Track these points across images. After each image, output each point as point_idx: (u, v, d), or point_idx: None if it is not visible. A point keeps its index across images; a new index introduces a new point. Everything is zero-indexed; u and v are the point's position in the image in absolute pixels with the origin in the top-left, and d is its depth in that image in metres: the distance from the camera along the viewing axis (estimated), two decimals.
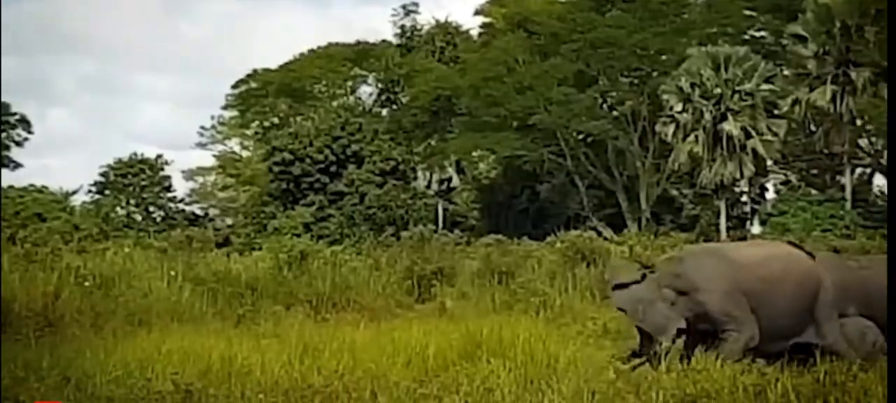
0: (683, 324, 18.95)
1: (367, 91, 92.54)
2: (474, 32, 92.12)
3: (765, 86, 70.85)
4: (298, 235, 56.60)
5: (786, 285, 19.13)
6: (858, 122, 73.98)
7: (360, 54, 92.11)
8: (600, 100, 77.83)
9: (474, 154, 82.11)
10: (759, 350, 18.65)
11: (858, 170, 77.81)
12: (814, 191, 75.88)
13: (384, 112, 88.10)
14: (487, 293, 33.97)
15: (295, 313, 30.87)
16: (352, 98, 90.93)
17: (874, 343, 18.90)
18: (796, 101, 71.39)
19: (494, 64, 77.68)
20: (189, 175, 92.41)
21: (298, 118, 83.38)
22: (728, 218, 71.99)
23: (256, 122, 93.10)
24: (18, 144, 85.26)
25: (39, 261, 33.65)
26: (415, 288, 36.88)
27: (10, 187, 74.52)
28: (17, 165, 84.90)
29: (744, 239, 61.71)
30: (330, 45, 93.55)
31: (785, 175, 79.76)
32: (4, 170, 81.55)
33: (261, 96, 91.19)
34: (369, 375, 20.49)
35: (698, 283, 19.21)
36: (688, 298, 19.13)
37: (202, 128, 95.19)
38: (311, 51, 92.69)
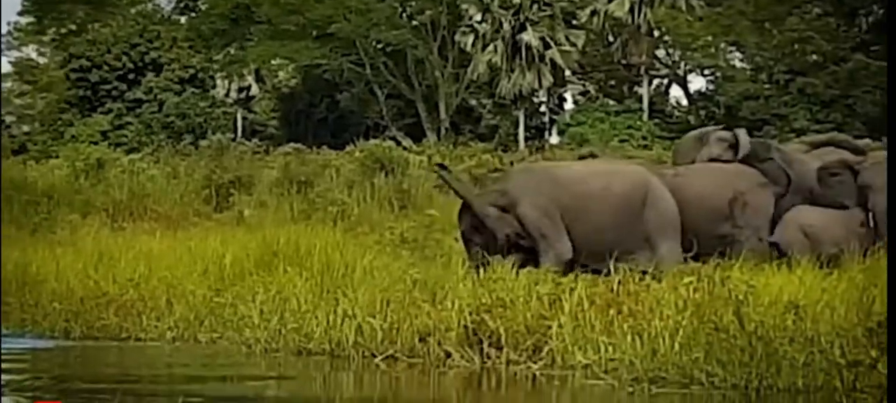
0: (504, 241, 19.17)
1: None
2: None
3: None
4: (95, 143, 55.99)
5: (605, 203, 19.42)
6: (656, 34, 74.68)
7: None
8: (400, 10, 77.60)
9: (274, 62, 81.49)
10: (586, 267, 18.79)
11: (656, 82, 78.60)
12: (611, 102, 76.50)
13: (183, 19, 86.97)
14: (285, 202, 33.95)
15: (91, 221, 30.62)
16: (150, 5, 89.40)
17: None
18: (595, 12, 71.97)
19: None
20: None
21: (96, 25, 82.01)
22: (527, 128, 72.41)
23: (53, 29, 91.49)
24: None
25: None
26: (213, 196, 36.76)
27: None
28: None
29: (542, 149, 62.27)
30: None
31: (583, 85, 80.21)
32: None
33: (58, 2, 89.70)
34: (165, 284, 20.46)
35: (517, 199, 19.41)
36: (509, 215, 19.33)
37: None
38: None
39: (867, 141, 28.58)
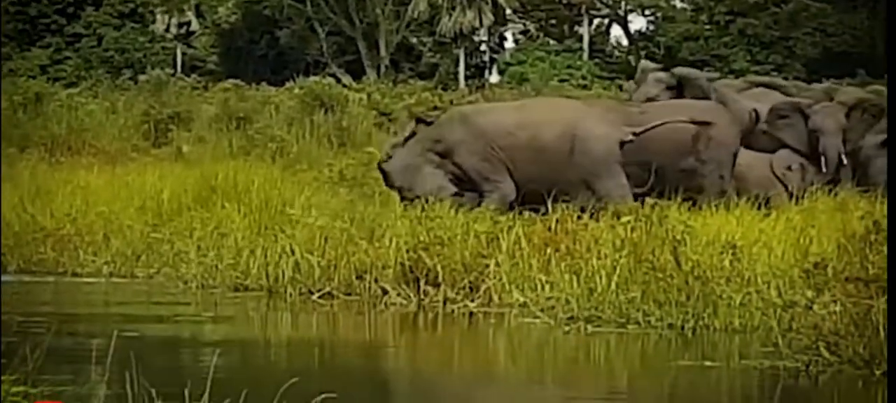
0: (453, 187, 19.15)
1: None
2: None
3: None
4: (34, 77, 55.47)
5: (533, 152, 19.40)
6: None
7: None
8: None
9: None
10: (528, 205, 18.81)
11: (596, 21, 78.67)
12: (552, 42, 76.56)
13: None
14: (224, 138, 33.84)
15: (29, 155, 30.41)
16: None
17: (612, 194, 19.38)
18: None
19: None
20: None
21: None
22: (467, 67, 72.38)
23: None
24: None
25: None
26: (151, 132, 36.57)
27: None
28: None
29: (482, 88, 62.16)
30: None
31: (524, 24, 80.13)
32: None
33: None
34: (102, 218, 20.37)
35: (454, 146, 19.41)
36: (448, 161, 19.31)
37: None
38: None
39: (799, 83, 28.86)
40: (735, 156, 20.54)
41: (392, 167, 19.61)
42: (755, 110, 21.49)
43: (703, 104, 21.24)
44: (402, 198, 19.14)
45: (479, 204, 18.58)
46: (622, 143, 19.34)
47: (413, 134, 19.91)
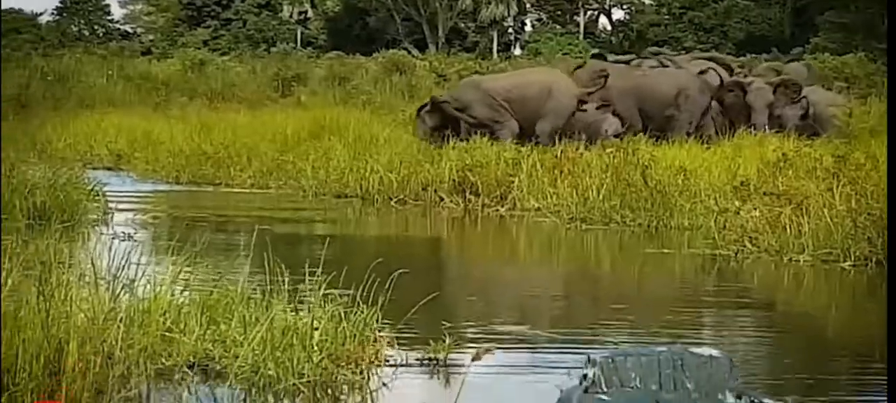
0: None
1: None
2: None
3: None
4: (199, 48, 55.46)
5: (526, 99, 19.65)
6: None
7: None
8: None
9: None
10: (525, 135, 19.24)
11: (589, 13, 78.10)
12: (557, 27, 76.39)
13: None
14: (330, 92, 33.75)
15: (195, 103, 30.50)
16: None
17: (606, 131, 19.39)
18: None
19: None
20: (123, 3, 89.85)
21: None
22: (498, 44, 72.03)
23: None
24: None
25: (14, 61, 32.85)
26: (279, 87, 36.51)
27: None
28: None
29: (509, 58, 61.87)
30: None
31: (538, 14, 79.77)
32: None
33: None
34: (246, 147, 20.39)
35: (467, 103, 19.63)
36: (465, 113, 19.51)
37: None
38: None
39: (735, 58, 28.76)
40: (704, 109, 20.72)
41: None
42: (721, 78, 21.48)
43: (685, 72, 21.24)
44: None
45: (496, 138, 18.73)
46: (578, 99, 19.74)
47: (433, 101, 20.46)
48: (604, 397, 4.52)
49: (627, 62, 22.66)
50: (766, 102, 21.19)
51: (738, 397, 4.68)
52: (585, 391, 4.62)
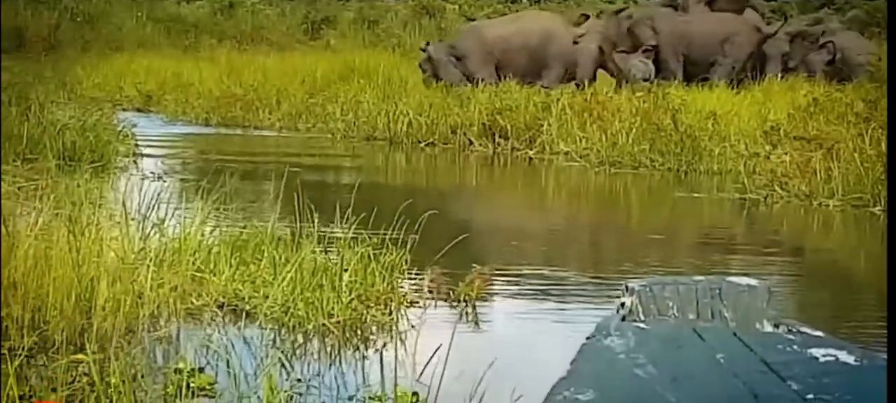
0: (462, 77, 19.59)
1: None
2: None
3: None
4: None
5: (521, 50, 19.76)
6: None
7: None
8: None
9: None
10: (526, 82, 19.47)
11: None
12: None
13: None
14: (359, 35, 33.70)
15: (224, 45, 30.47)
16: None
17: (635, 75, 19.41)
18: None
19: None
20: None
21: None
22: None
23: None
24: None
25: (44, 2, 32.90)
26: (309, 30, 36.46)
27: None
28: None
29: (538, 2, 61.48)
30: None
31: None
32: None
33: None
34: (275, 89, 20.40)
35: (465, 53, 19.76)
36: (461, 62, 19.63)
37: None
38: None
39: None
40: (748, 55, 20.64)
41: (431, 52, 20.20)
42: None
43: (732, 16, 21.09)
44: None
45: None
46: (574, 41, 19.88)
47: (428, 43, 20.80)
48: (642, 325, 4.50)
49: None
50: (780, 52, 21.10)
51: (776, 325, 4.66)
52: (623, 319, 4.61)
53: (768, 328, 4.65)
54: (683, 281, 4.78)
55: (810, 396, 3.62)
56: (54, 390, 4.21)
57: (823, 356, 4.12)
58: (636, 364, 3.97)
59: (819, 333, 4.61)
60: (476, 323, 6.33)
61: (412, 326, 6.02)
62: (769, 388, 3.70)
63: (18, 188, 6.96)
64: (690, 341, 4.33)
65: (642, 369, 3.91)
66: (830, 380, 3.75)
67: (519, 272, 7.77)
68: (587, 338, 4.32)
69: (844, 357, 4.05)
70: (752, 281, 4.82)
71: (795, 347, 4.27)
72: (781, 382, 3.79)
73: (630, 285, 4.68)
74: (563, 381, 3.74)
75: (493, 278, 7.07)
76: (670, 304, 4.67)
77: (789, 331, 4.64)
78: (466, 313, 6.48)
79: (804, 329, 4.71)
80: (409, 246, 6.65)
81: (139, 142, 13.80)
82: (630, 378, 3.82)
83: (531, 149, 15.50)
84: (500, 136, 15.86)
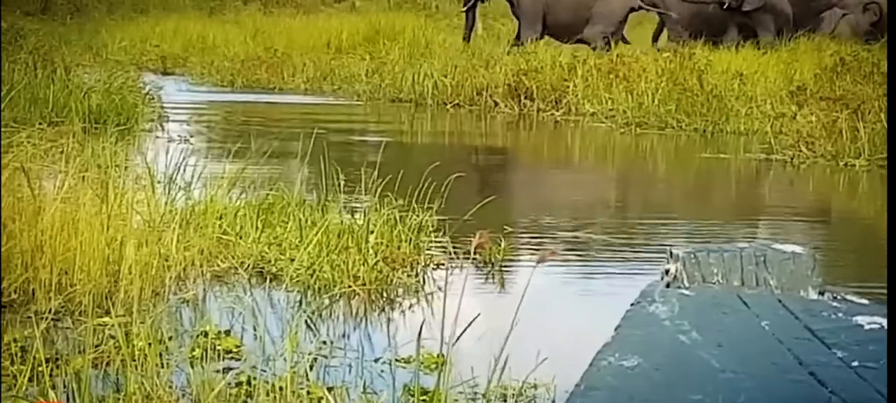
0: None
1: None
2: None
3: None
4: None
5: (569, 4, 19.83)
6: None
7: None
8: None
9: None
10: (557, 37, 19.84)
11: None
12: None
13: None
14: None
15: (250, 7, 30.43)
16: None
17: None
18: None
19: None
20: None
21: None
22: None
23: None
24: None
25: None
26: None
27: None
28: None
29: None
30: None
31: None
32: None
33: None
34: (300, 51, 20.38)
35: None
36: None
37: None
38: None
39: None
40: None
41: None
42: None
43: None
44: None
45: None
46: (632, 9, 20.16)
47: None
48: (686, 292, 4.47)
49: None
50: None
51: (821, 293, 4.62)
52: (667, 286, 4.57)
53: (813, 295, 4.60)
54: (728, 248, 4.74)
55: (855, 363, 3.58)
56: (82, 351, 4.19)
57: (868, 323, 4.07)
58: (681, 330, 3.93)
59: (864, 301, 4.56)
60: (502, 285, 6.30)
61: (439, 288, 5.99)
62: (814, 355, 3.66)
63: (45, 151, 6.94)
64: (735, 307, 4.28)
65: (686, 335, 3.87)
66: (876, 348, 3.70)
67: (546, 239, 7.72)
68: (631, 305, 4.28)
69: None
70: (798, 248, 4.77)
71: (840, 314, 4.22)
72: (827, 349, 3.74)
73: (675, 251, 4.63)
74: (608, 347, 3.70)
75: (519, 244, 7.03)
76: (715, 271, 4.63)
77: (834, 298, 4.59)
78: (492, 275, 6.44)
79: (849, 296, 4.66)
80: (435, 208, 6.63)
81: (164, 105, 13.79)
82: (674, 344, 3.78)
83: (557, 111, 15.41)
84: (526, 98, 15.79)
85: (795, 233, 8.32)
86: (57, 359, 4.28)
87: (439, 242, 6.62)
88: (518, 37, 20.00)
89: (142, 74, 17.02)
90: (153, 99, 13.78)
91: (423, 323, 4.27)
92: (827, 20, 20.85)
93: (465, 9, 20.67)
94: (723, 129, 13.78)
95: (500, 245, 6.60)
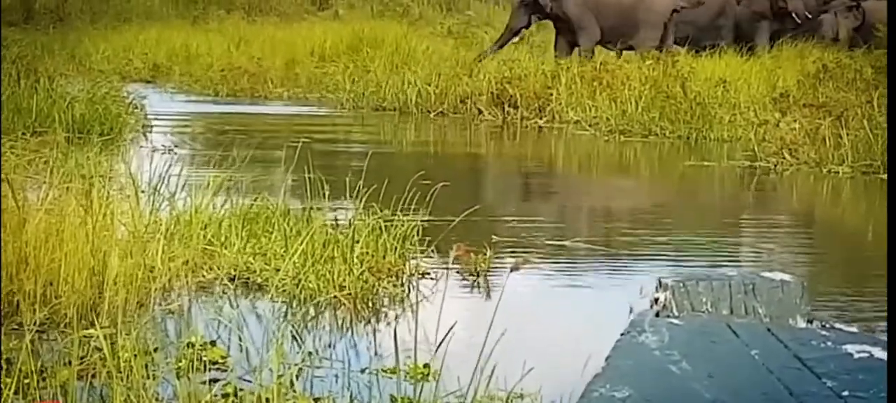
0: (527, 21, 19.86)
1: None
2: None
3: None
4: None
5: (617, 8, 19.56)
6: None
7: None
8: None
9: None
10: (605, 45, 19.65)
11: None
12: None
13: None
14: (368, 4, 33.54)
15: (233, 16, 30.37)
16: None
17: None
18: None
19: None
20: None
21: None
22: None
23: None
24: None
25: None
26: (317, 0, 36.42)
27: None
28: None
29: None
30: None
31: None
32: None
33: None
34: (283, 60, 20.37)
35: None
36: (556, 4, 19.39)
37: None
38: None
39: None
40: None
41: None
42: None
43: None
44: None
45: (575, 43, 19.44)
46: (674, 10, 19.73)
47: None
48: (676, 321, 4.48)
49: None
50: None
51: (809, 321, 4.65)
52: (657, 315, 4.60)
53: (802, 324, 4.63)
54: (717, 276, 4.76)
55: (845, 393, 3.61)
56: (68, 363, 4.19)
57: (858, 352, 4.11)
58: (671, 360, 3.95)
59: (853, 329, 4.60)
60: (487, 294, 6.30)
61: (424, 297, 5.99)
62: (804, 385, 3.69)
63: (28, 162, 6.92)
64: (724, 337, 4.32)
65: (677, 365, 3.90)
66: (865, 377, 3.73)
67: (529, 248, 7.73)
68: (621, 334, 4.31)
69: (879, 353, 4.03)
70: (786, 277, 4.80)
71: (830, 343, 4.26)
72: (816, 379, 3.77)
73: (663, 280, 4.66)
74: (599, 378, 3.72)
75: (503, 252, 7.03)
76: (704, 300, 4.66)
77: (823, 327, 4.63)
78: (478, 284, 6.45)
79: (838, 325, 4.70)
80: (420, 217, 6.62)
81: (148, 115, 13.76)
82: (665, 374, 3.81)
83: (541, 118, 15.44)
84: (509, 106, 15.80)
85: (780, 238, 8.35)
86: (43, 371, 4.27)
87: (424, 251, 6.62)
88: (556, 46, 19.77)
89: (125, 84, 16.99)
90: (137, 108, 13.74)
91: (396, 335, 4.30)
92: (826, 24, 20.88)
93: (501, 45, 20.04)
94: (706, 137, 13.81)
95: (485, 254, 6.60)
